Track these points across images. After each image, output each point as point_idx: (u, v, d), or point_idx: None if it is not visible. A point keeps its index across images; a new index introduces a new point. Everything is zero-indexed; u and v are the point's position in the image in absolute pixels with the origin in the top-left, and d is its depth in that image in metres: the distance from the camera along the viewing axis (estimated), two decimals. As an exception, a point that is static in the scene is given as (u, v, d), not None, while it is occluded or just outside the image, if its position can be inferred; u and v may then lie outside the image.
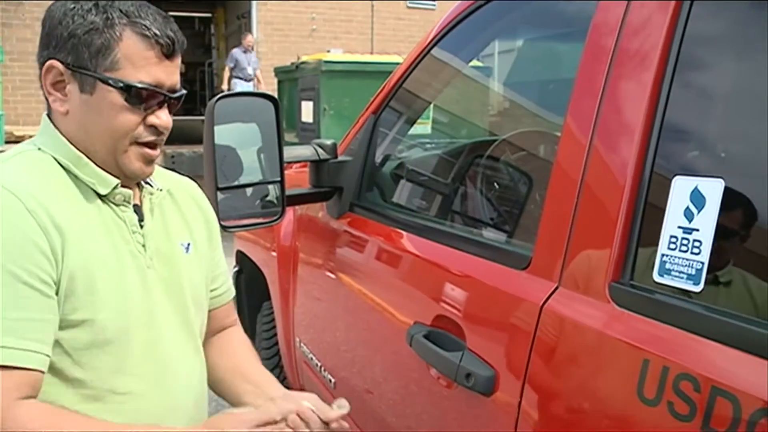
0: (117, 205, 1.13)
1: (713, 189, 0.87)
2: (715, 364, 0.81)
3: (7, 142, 9.20)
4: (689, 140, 1.01)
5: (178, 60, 1.11)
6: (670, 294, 0.90)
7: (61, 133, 1.11)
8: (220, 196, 1.63)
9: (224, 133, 1.63)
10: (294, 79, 8.28)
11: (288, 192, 1.80)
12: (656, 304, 0.91)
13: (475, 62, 2.92)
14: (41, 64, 1.08)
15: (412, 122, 2.18)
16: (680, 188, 0.91)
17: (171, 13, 1.25)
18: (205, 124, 1.57)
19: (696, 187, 0.90)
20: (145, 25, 1.06)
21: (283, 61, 10.05)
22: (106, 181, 1.11)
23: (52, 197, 1.04)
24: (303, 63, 8.17)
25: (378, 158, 2.04)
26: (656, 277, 0.92)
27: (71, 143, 1.10)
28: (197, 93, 15.61)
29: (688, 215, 0.90)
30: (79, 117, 1.09)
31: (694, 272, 0.87)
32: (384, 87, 1.99)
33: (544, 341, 1.06)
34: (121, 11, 1.06)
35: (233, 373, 1.31)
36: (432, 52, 1.82)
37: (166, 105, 1.11)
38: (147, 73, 1.07)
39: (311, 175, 1.98)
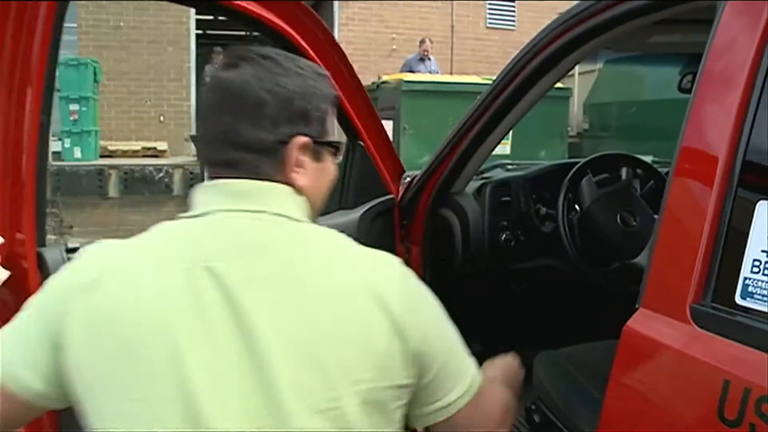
0: None
1: (798, 214, 0.88)
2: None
3: (101, 156, 9.68)
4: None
5: None
6: (752, 317, 0.91)
7: None
8: None
9: None
10: (374, 99, 8.41)
11: None
12: (738, 326, 0.93)
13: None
14: (279, 141, 0.96)
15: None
16: (765, 212, 0.93)
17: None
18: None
19: (781, 212, 0.91)
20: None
21: (364, 81, 10.17)
22: None
23: None
24: (384, 82, 8.30)
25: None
26: (738, 300, 0.93)
27: None
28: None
29: (773, 240, 0.91)
30: (311, 188, 1.01)
31: (778, 296, 0.89)
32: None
33: (624, 361, 1.08)
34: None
35: None
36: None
37: None
38: None
39: None
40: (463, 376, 1.01)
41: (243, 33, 13.62)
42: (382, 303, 0.91)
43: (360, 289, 0.92)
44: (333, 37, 1.99)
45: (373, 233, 2.12)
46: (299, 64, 1.01)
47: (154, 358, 0.85)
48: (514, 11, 13.38)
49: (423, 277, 2.26)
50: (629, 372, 1.07)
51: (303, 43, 1.86)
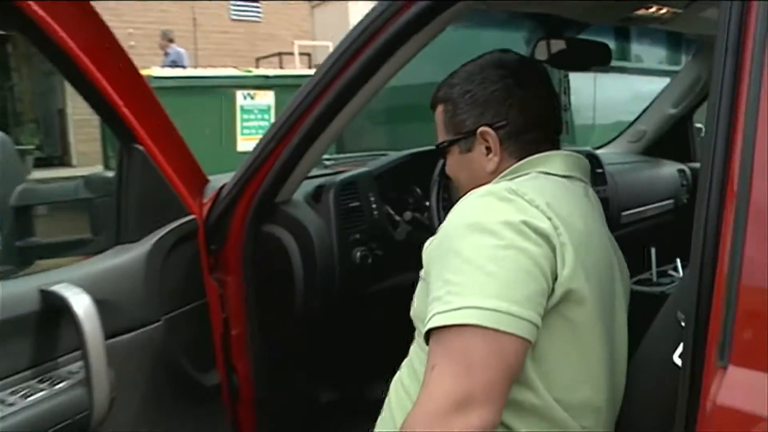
0: None
1: None
2: None
3: None
4: None
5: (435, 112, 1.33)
6: None
7: None
8: None
9: None
10: (119, 98, 7.54)
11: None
12: None
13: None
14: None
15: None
16: None
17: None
18: None
19: None
20: None
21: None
22: None
23: None
24: (127, 80, 7.45)
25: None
26: None
27: None
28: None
29: None
30: None
31: None
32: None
33: None
34: None
35: None
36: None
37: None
38: None
39: None
40: None
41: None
42: None
43: None
44: (105, 25, 1.42)
45: (172, 271, 1.55)
46: None
47: None
48: (258, 2, 13.23)
49: (247, 317, 1.71)
50: None
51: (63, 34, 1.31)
